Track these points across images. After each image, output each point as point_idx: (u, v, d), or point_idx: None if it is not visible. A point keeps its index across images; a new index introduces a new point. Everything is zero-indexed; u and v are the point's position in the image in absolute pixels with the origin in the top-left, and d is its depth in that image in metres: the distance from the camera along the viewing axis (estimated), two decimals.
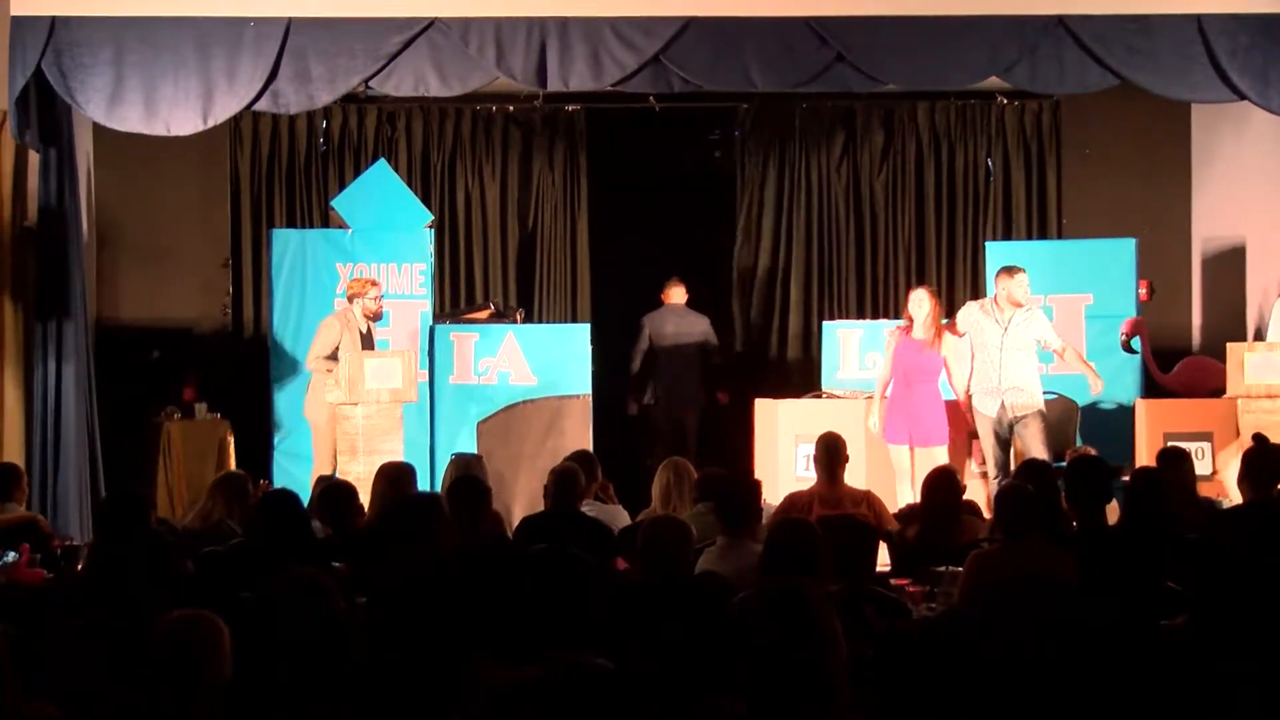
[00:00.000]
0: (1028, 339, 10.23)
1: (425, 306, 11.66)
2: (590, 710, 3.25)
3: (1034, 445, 10.00)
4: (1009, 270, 10.36)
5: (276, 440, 11.60)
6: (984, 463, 10.32)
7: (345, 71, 10.41)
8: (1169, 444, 9.56)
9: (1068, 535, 6.50)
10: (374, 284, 10.91)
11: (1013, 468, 9.94)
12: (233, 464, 11.52)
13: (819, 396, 11.08)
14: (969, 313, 10.38)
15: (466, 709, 3.70)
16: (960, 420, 10.33)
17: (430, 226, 11.91)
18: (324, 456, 10.62)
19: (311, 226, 12.78)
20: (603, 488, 8.68)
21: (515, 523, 8.18)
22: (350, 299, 10.86)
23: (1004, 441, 10.15)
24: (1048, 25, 10.41)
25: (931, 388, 10.19)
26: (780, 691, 3.48)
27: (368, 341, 10.80)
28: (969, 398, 10.25)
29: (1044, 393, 10.60)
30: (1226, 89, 10.44)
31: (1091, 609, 4.81)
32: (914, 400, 10.09)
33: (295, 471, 11.06)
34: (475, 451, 10.42)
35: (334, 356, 10.56)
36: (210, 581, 5.97)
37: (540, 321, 12.91)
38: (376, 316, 10.89)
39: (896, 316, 12.66)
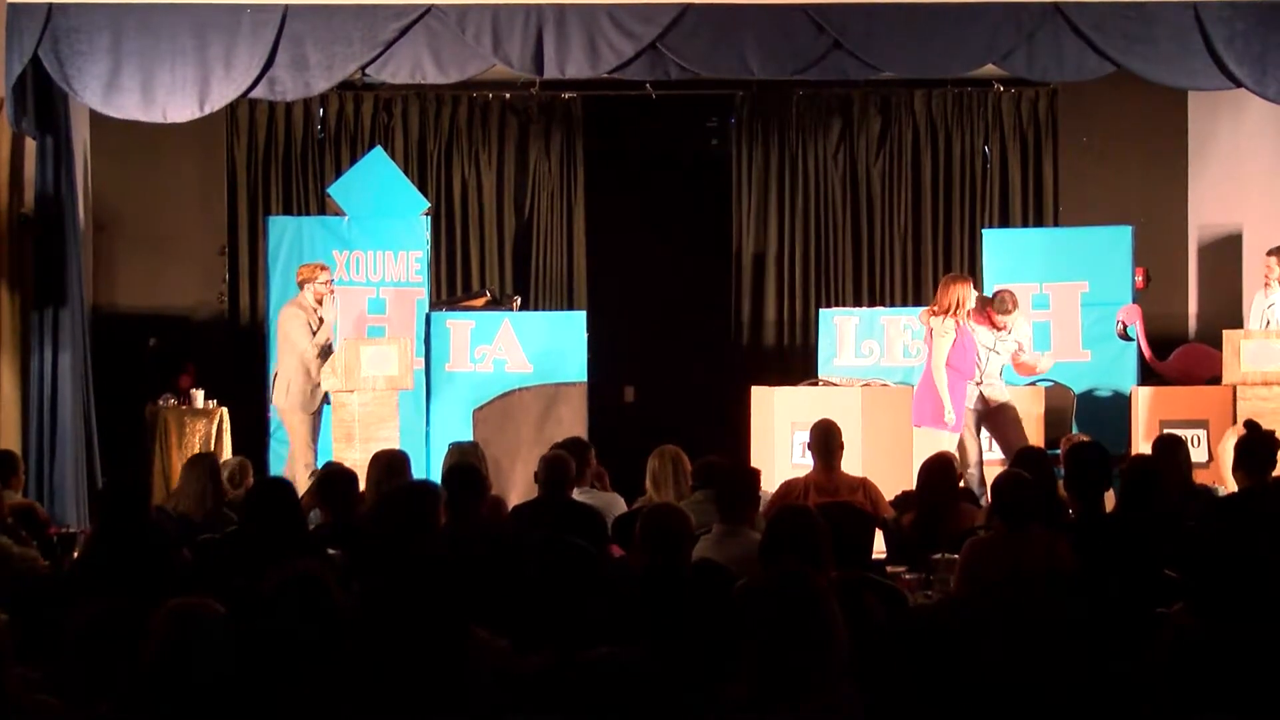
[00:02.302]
0: (1009, 348, 10.31)
1: (421, 294, 11.67)
2: (596, 698, 3.26)
3: (1011, 430, 10.06)
4: (1003, 305, 10.26)
5: (273, 427, 11.60)
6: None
7: (342, 59, 10.41)
8: (1165, 431, 9.60)
9: (1064, 523, 6.51)
10: (323, 268, 10.98)
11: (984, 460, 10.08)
12: (228, 451, 11.54)
13: (816, 384, 11.08)
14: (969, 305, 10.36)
15: (470, 696, 3.71)
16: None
17: (427, 214, 11.91)
18: (302, 446, 10.65)
19: (308, 214, 12.78)
20: (598, 475, 8.68)
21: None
22: (301, 284, 10.87)
23: (978, 430, 10.21)
24: (1045, 13, 10.41)
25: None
26: (782, 678, 3.49)
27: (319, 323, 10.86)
28: None
29: (1042, 380, 10.65)
30: (1223, 77, 10.45)
31: (1089, 596, 4.82)
32: (963, 388, 10.05)
33: None
34: (472, 439, 10.45)
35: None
36: (208, 569, 5.97)
37: (536, 309, 12.92)
38: (320, 300, 10.90)
39: (893, 304, 12.70)
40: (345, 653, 4.04)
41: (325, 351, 10.70)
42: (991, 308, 10.32)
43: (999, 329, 10.28)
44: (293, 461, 10.65)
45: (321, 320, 10.80)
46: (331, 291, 10.91)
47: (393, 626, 3.97)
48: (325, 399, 10.70)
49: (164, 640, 3.98)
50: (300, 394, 10.70)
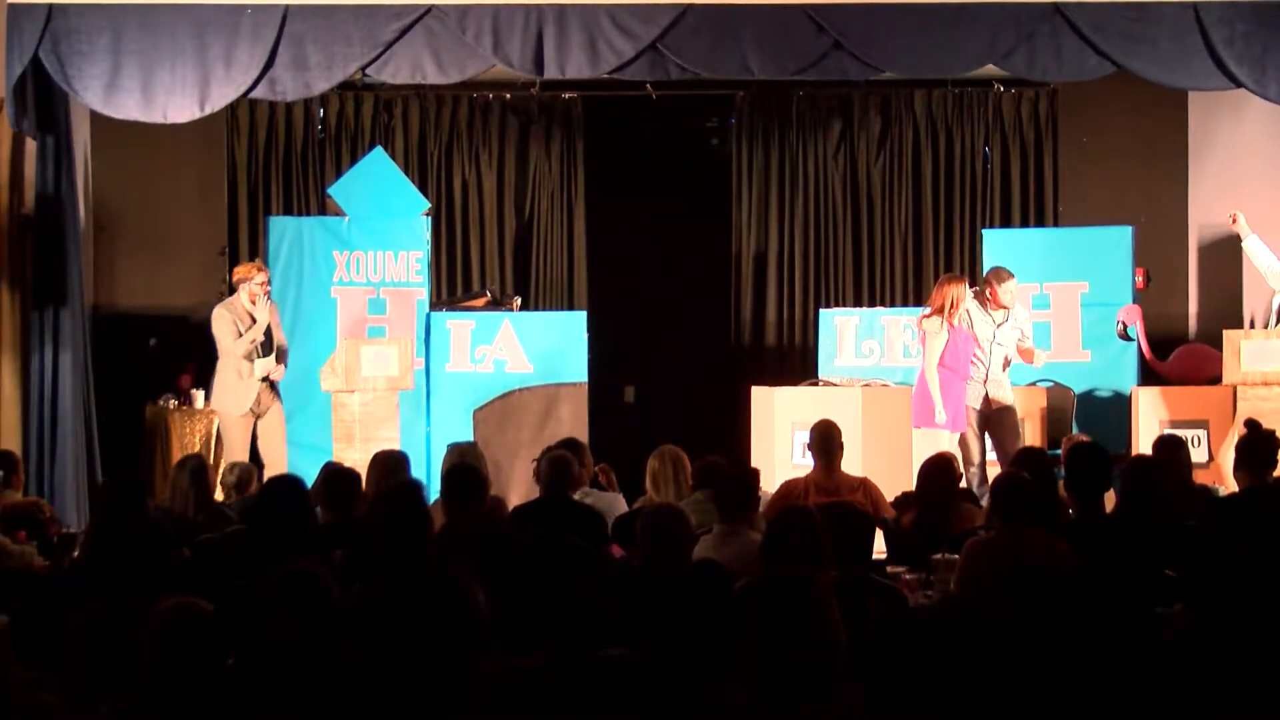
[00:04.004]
0: (1011, 337, 10.31)
1: (422, 294, 11.65)
2: (596, 698, 3.26)
3: (1009, 438, 10.06)
4: (998, 275, 10.38)
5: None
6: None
7: (342, 59, 10.42)
8: (1165, 431, 9.61)
9: (1064, 523, 6.51)
10: (260, 269, 10.72)
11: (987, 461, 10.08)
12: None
13: (816, 384, 11.09)
14: (968, 301, 10.36)
15: (468, 695, 3.71)
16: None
17: (427, 214, 11.89)
18: (238, 451, 10.47)
19: (308, 214, 12.77)
20: (604, 472, 8.68)
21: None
22: (237, 284, 10.65)
23: (983, 431, 10.21)
24: (1045, 13, 10.42)
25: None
26: (782, 679, 3.49)
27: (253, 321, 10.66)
28: None
29: (1040, 380, 10.65)
30: (1223, 77, 10.45)
31: (1089, 596, 4.82)
32: (959, 387, 10.06)
33: (290, 456, 11.04)
34: (472, 439, 10.44)
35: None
36: (207, 569, 5.97)
37: (536, 309, 12.91)
38: (254, 300, 10.63)
39: (893, 304, 12.71)
40: (344, 653, 4.04)
41: (265, 352, 10.53)
42: (991, 285, 10.30)
43: (1002, 306, 10.26)
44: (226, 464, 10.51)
45: (254, 321, 10.55)
46: (266, 294, 10.61)
47: (390, 627, 3.97)
48: (273, 398, 10.63)
49: (155, 642, 3.98)
50: (231, 396, 10.52)
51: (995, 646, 4.07)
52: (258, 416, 10.57)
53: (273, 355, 10.61)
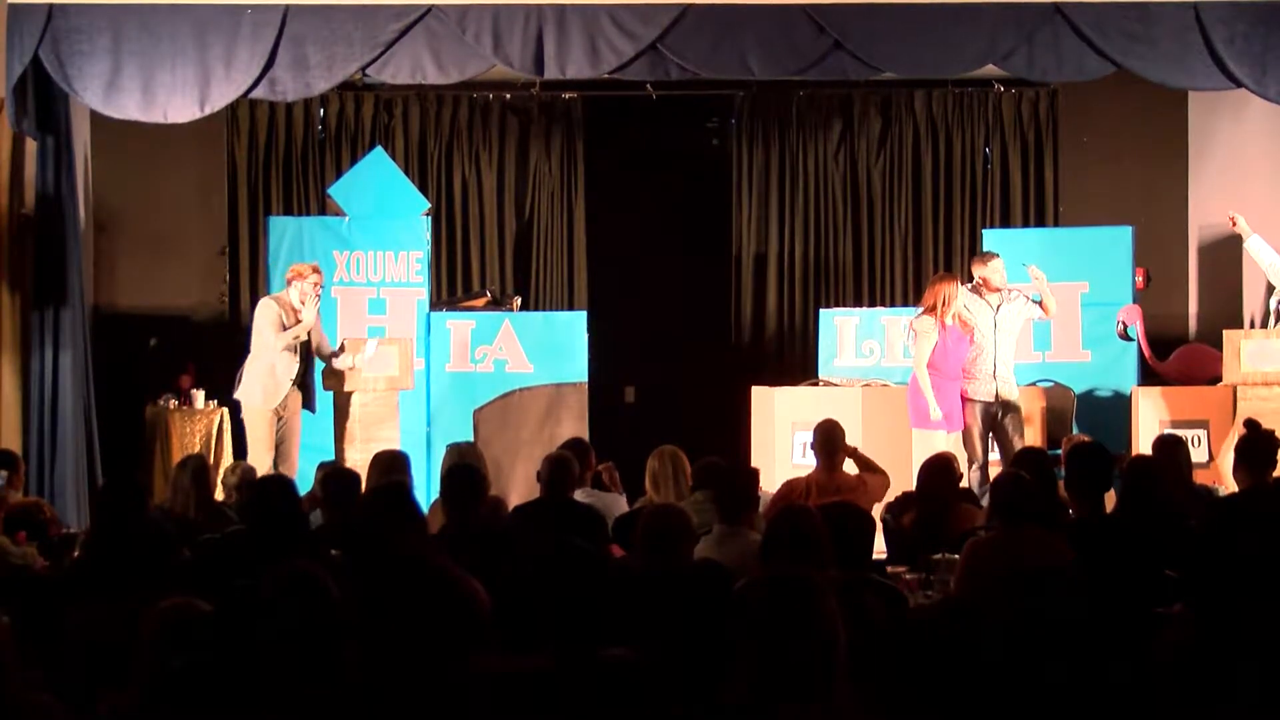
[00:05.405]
0: (1014, 321, 10.27)
1: (422, 294, 11.65)
2: (595, 699, 3.26)
3: (1015, 437, 10.02)
4: (982, 258, 10.41)
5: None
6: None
7: (342, 59, 10.42)
8: (1165, 431, 9.61)
9: (1064, 523, 6.52)
10: (315, 270, 10.48)
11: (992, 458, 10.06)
12: (229, 452, 11.54)
13: (816, 384, 11.10)
14: (961, 297, 10.34)
15: (467, 697, 3.71)
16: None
17: (427, 214, 11.89)
18: (260, 448, 10.26)
19: (308, 214, 12.77)
20: (609, 471, 8.68)
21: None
22: (289, 281, 10.47)
23: (988, 429, 10.15)
24: (1045, 13, 10.42)
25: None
26: (781, 679, 3.49)
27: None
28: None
29: (1041, 380, 10.64)
30: (1224, 77, 10.45)
31: (1089, 596, 4.82)
32: (950, 388, 10.04)
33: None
34: (472, 439, 10.45)
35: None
36: (207, 569, 5.97)
37: (536, 309, 12.91)
38: (304, 300, 10.43)
39: (893, 304, 12.70)
40: (341, 651, 4.04)
41: (305, 352, 10.43)
42: (983, 274, 10.25)
43: (996, 289, 10.22)
44: (254, 463, 10.39)
45: (299, 320, 10.35)
46: (318, 295, 10.44)
47: (389, 626, 3.97)
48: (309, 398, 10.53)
49: (154, 642, 3.98)
50: (260, 389, 10.36)
51: (995, 646, 4.07)
52: (281, 416, 10.37)
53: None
